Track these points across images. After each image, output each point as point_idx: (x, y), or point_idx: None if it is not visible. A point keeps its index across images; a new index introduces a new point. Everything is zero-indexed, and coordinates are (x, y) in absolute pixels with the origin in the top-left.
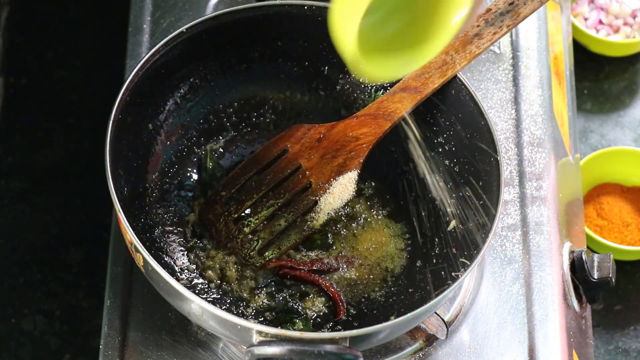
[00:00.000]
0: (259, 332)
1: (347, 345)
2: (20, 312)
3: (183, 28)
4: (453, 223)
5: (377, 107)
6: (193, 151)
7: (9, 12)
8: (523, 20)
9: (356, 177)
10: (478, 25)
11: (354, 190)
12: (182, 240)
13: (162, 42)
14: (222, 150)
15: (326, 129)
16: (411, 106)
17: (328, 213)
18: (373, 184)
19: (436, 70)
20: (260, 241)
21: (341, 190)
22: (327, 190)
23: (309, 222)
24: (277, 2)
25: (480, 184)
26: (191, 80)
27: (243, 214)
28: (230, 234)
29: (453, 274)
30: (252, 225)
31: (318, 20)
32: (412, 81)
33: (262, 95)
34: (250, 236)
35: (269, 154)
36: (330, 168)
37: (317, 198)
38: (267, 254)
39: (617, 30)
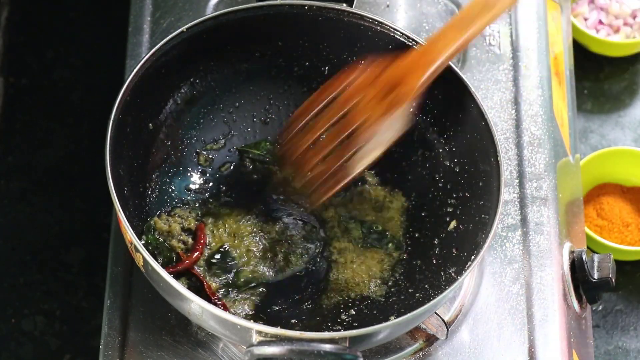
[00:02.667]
0: (259, 332)
1: (347, 345)
2: (20, 312)
3: (183, 28)
4: (453, 223)
5: (426, 47)
6: (193, 151)
7: (9, 12)
8: None
9: (407, 116)
10: None
11: (404, 127)
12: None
13: (162, 42)
14: (222, 150)
15: (379, 68)
16: (459, 46)
17: (380, 150)
18: (373, 183)
19: (480, 9)
20: (320, 176)
21: (390, 127)
22: (379, 127)
23: (363, 159)
24: (277, 2)
25: (481, 184)
26: (191, 80)
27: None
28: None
29: (453, 274)
30: (313, 162)
31: (318, 20)
32: (458, 22)
33: (262, 95)
34: (311, 172)
35: (327, 93)
36: (383, 105)
37: (370, 135)
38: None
39: (617, 31)
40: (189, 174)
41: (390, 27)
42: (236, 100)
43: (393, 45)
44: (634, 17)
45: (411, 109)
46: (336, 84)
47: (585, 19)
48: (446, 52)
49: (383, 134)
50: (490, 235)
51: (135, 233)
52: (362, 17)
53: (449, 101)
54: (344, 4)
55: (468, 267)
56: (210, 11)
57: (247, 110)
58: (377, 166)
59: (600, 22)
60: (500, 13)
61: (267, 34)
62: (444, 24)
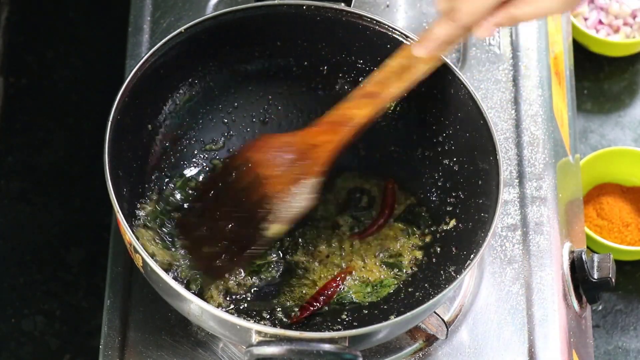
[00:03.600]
0: (258, 332)
1: (347, 344)
2: (20, 312)
3: (182, 28)
4: (453, 222)
5: (338, 115)
6: (192, 152)
7: (9, 12)
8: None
9: (314, 187)
10: None
11: (310, 199)
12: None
13: (160, 43)
14: (221, 150)
15: (289, 137)
16: (372, 112)
17: (283, 223)
18: (374, 183)
19: (395, 75)
20: (221, 252)
21: (296, 200)
22: (284, 200)
23: (264, 232)
24: (276, 2)
25: (480, 182)
26: (190, 80)
27: (206, 225)
28: (195, 244)
29: (453, 272)
30: (212, 237)
31: (317, 20)
32: (372, 87)
33: (261, 96)
34: (211, 248)
35: (233, 164)
36: (290, 176)
37: (273, 207)
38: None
39: (617, 30)
40: (188, 175)
41: (389, 26)
42: (235, 100)
43: (391, 45)
44: (634, 17)
45: (318, 184)
46: (240, 156)
47: (585, 19)
48: (357, 120)
49: (291, 205)
50: (490, 234)
51: (134, 234)
52: (360, 16)
53: (447, 100)
54: (342, 4)
55: (468, 266)
56: (210, 11)
57: (246, 111)
58: (376, 166)
59: (600, 22)
60: (415, 79)
61: (265, 34)
62: (354, 90)
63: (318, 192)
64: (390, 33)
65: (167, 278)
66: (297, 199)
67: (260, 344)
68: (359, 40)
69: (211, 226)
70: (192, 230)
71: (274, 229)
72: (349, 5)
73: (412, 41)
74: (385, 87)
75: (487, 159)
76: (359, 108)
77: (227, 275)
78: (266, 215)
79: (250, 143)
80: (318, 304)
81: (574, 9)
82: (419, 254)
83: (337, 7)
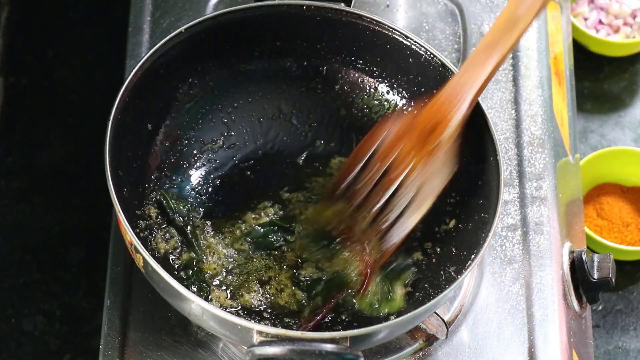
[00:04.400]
0: (260, 332)
1: (348, 345)
2: (20, 312)
3: (182, 28)
4: (453, 222)
5: (458, 77)
6: (192, 151)
7: (9, 12)
8: None
9: (453, 157)
10: None
11: (456, 163)
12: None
13: (160, 43)
14: (220, 150)
15: (412, 115)
16: (488, 66)
17: (435, 195)
18: None
19: (505, 30)
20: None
21: (439, 170)
22: (429, 172)
23: (419, 206)
24: (276, 2)
25: (480, 183)
26: (190, 80)
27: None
28: (352, 224)
29: (453, 273)
30: (365, 220)
31: (317, 20)
32: (487, 41)
33: (260, 95)
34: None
35: (370, 143)
36: (426, 150)
37: (423, 179)
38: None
39: (617, 30)
40: (188, 175)
41: (388, 27)
42: (235, 100)
43: (391, 45)
44: (634, 17)
45: (456, 150)
46: (372, 139)
47: (585, 19)
48: (477, 82)
49: (432, 181)
50: (490, 235)
51: (135, 234)
52: (360, 16)
53: None
54: (342, 4)
55: (468, 267)
56: (210, 11)
57: (246, 111)
58: None
59: (600, 22)
60: (527, 26)
61: (265, 34)
62: (472, 51)
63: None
64: (390, 33)
65: (169, 278)
66: (443, 164)
67: (261, 344)
68: (359, 40)
69: (360, 211)
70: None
71: (427, 202)
72: (348, 5)
73: None
74: (497, 41)
75: (487, 159)
76: (476, 70)
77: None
78: (417, 188)
79: (384, 119)
80: (324, 312)
81: None
82: (419, 255)
83: (337, 7)
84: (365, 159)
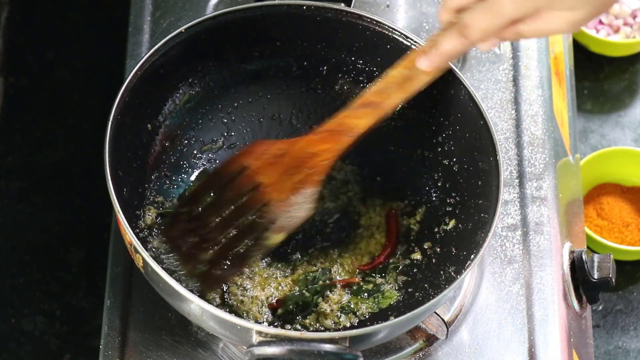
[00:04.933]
0: (259, 332)
1: (347, 345)
2: (20, 312)
3: (182, 28)
4: (452, 222)
5: (337, 124)
6: (192, 152)
7: (9, 12)
8: None
9: (315, 196)
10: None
11: (311, 208)
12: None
13: (160, 43)
14: (220, 150)
15: (287, 145)
16: (372, 122)
17: (286, 231)
18: (373, 181)
19: (396, 85)
20: (219, 260)
21: (298, 208)
22: (286, 209)
23: (265, 241)
24: (276, 2)
25: (480, 183)
26: (190, 80)
27: (203, 232)
28: (191, 252)
29: (453, 273)
30: (211, 245)
31: (317, 20)
32: (373, 97)
33: (260, 96)
34: (209, 255)
35: (229, 171)
36: (289, 185)
37: (276, 216)
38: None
39: (617, 30)
40: (188, 175)
41: (388, 27)
42: (234, 100)
43: (391, 45)
44: (634, 17)
45: (318, 191)
46: (236, 162)
47: None
48: (357, 129)
49: (291, 214)
50: (490, 234)
51: (134, 234)
52: (360, 16)
53: (447, 100)
54: (342, 4)
55: (468, 266)
56: (210, 11)
57: (246, 111)
58: (375, 165)
59: (600, 22)
60: (416, 89)
61: (265, 34)
62: (352, 101)
63: (316, 202)
64: (390, 33)
65: (168, 278)
66: (297, 208)
67: (260, 344)
68: (358, 40)
69: (206, 235)
70: (184, 239)
71: (274, 238)
72: (348, 5)
73: (416, 48)
74: (386, 96)
75: (487, 159)
76: (358, 118)
77: (223, 285)
78: (266, 224)
79: (246, 149)
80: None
81: (578, 30)
82: (418, 255)
83: (337, 7)
84: (222, 183)
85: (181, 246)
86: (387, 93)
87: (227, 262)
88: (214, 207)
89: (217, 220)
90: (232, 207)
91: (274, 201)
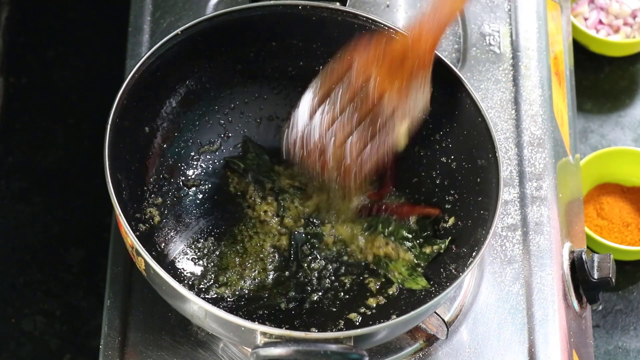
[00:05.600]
0: (264, 333)
1: (352, 344)
2: (20, 312)
3: (178, 30)
4: (452, 220)
5: (432, 7)
6: (190, 153)
7: (9, 12)
8: None
9: (428, 79)
10: None
11: (428, 92)
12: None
13: (157, 45)
14: (217, 152)
15: (387, 37)
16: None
17: (410, 118)
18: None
19: None
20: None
21: (415, 94)
22: (404, 97)
23: (393, 131)
24: (271, 2)
25: (479, 180)
26: (187, 82)
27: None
28: (318, 153)
29: (453, 270)
30: (338, 141)
31: (312, 20)
32: None
33: (257, 96)
34: (342, 150)
35: (339, 69)
36: (400, 74)
37: (396, 105)
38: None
39: (617, 30)
40: (186, 177)
41: (384, 25)
42: (231, 101)
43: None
44: (634, 17)
45: (429, 73)
46: (341, 67)
47: (585, 19)
48: (453, 12)
49: (411, 104)
50: (491, 231)
51: (136, 237)
52: (355, 15)
53: (445, 98)
54: (338, 3)
55: (470, 264)
56: (210, 11)
57: (243, 112)
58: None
59: (600, 22)
60: None
61: (261, 34)
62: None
63: (430, 85)
64: (386, 32)
65: (172, 281)
66: (414, 94)
67: (266, 345)
68: (354, 40)
69: (336, 134)
70: (313, 141)
71: (401, 127)
72: (344, 4)
73: None
74: None
75: (486, 156)
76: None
77: (358, 182)
78: (392, 114)
79: (351, 48)
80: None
81: None
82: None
83: (332, 6)
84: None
85: (303, 149)
86: None
87: (365, 156)
88: (332, 105)
89: (343, 122)
90: (351, 102)
91: (391, 91)
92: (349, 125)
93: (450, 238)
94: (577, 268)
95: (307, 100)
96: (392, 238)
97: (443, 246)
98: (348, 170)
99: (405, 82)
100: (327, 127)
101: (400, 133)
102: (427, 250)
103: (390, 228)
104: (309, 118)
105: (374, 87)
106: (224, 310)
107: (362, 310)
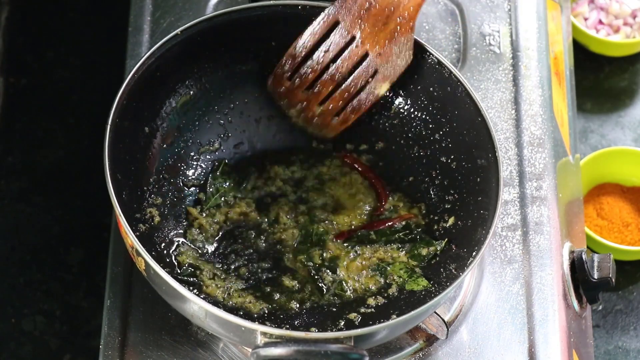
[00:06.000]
0: (264, 334)
1: (352, 344)
2: (20, 312)
3: (178, 30)
4: (451, 220)
5: None
6: (189, 154)
7: (9, 12)
8: None
9: (411, 42)
10: None
11: (410, 55)
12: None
13: (157, 46)
14: (217, 152)
15: (365, 5)
16: None
17: (390, 80)
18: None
19: None
20: (333, 110)
21: (397, 57)
22: (386, 58)
23: (373, 90)
24: (271, 2)
25: (479, 180)
26: (186, 82)
27: (309, 86)
28: (301, 104)
29: (454, 270)
30: (322, 96)
31: (312, 19)
32: None
33: (257, 96)
34: (321, 106)
35: (321, 29)
36: (383, 35)
37: (377, 66)
38: (334, 121)
39: (617, 30)
40: (186, 177)
41: None
42: (231, 101)
43: None
44: (634, 17)
45: (412, 37)
46: (326, 25)
47: (585, 19)
48: None
49: (391, 68)
50: (491, 231)
51: (136, 237)
52: None
53: (444, 97)
54: None
55: (470, 264)
56: (210, 11)
57: (242, 111)
58: (372, 163)
59: (600, 22)
60: None
61: (260, 34)
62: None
63: (412, 49)
64: None
65: (172, 281)
66: (395, 56)
67: (266, 345)
68: None
69: (315, 89)
70: (293, 92)
71: (381, 87)
72: None
73: None
74: None
75: (485, 156)
76: None
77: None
78: (372, 75)
79: (333, 6)
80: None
81: None
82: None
83: None
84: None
85: (291, 98)
86: None
87: (342, 111)
88: (315, 64)
89: (322, 75)
90: (333, 61)
91: (372, 52)
92: (332, 83)
93: (446, 239)
94: (577, 268)
95: (292, 51)
96: (379, 244)
97: (439, 247)
98: (326, 122)
99: (387, 45)
100: (308, 85)
101: (379, 94)
102: (423, 251)
103: (371, 236)
104: (294, 70)
105: (357, 47)
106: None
107: (362, 310)
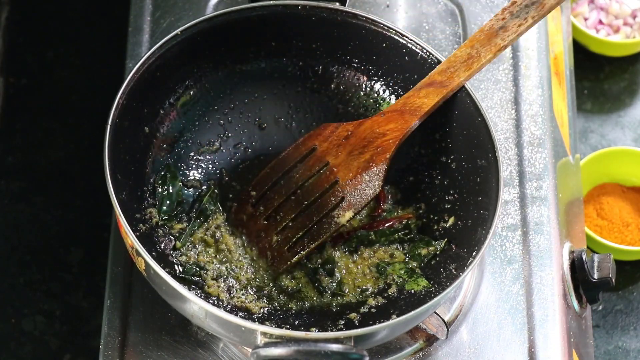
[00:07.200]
0: (264, 334)
1: (352, 344)
2: (20, 312)
3: (177, 31)
4: (452, 219)
5: (403, 103)
6: (189, 154)
7: (9, 12)
8: (549, 12)
9: (382, 174)
10: (503, 18)
11: (379, 185)
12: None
13: (157, 45)
14: (217, 152)
15: (353, 126)
16: (437, 101)
17: (355, 209)
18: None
19: (461, 64)
20: (289, 239)
21: (366, 186)
22: (354, 187)
23: (335, 219)
24: (270, 2)
25: (479, 180)
26: (186, 82)
27: (272, 213)
28: (260, 233)
29: (454, 270)
30: (282, 224)
31: (312, 20)
32: (438, 76)
33: (256, 96)
34: (279, 236)
35: (297, 153)
36: (357, 164)
37: (344, 194)
38: (295, 252)
39: (617, 30)
40: (185, 177)
41: (383, 25)
42: (231, 101)
43: (387, 44)
44: (634, 17)
45: (386, 168)
46: (303, 145)
47: (585, 19)
48: (423, 108)
49: (361, 191)
50: (491, 231)
51: (136, 237)
52: (355, 15)
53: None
54: (337, 3)
55: (470, 264)
56: (210, 11)
57: (242, 112)
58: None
59: (600, 22)
60: (481, 67)
61: (260, 34)
62: (421, 81)
63: (383, 180)
64: (385, 32)
65: (172, 281)
66: (365, 186)
67: (266, 345)
68: (354, 39)
69: (276, 216)
70: (254, 221)
71: (344, 216)
72: (343, 4)
73: (480, 28)
74: (450, 75)
75: (485, 156)
76: (424, 97)
77: (290, 263)
78: (335, 203)
79: (313, 132)
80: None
81: None
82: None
83: (331, 6)
84: (290, 166)
85: (251, 227)
86: (451, 72)
87: (299, 241)
88: (283, 189)
89: (287, 201)
90: (302, 187)
91: (342, 180)
92: (296, 209)
93: (446, 239)
94: (577, 268)
95: (263, 175)
96: (379, 245)
97: (439, 247)
98: (280, 252)
99: (359, 174)
100: (272, 210)
101: (340, 222)
102: (423, 251)
103: (371, 237)
104: (261, 193)
105: (329, 173)
106: (224, 310)
107: (362, 310)
